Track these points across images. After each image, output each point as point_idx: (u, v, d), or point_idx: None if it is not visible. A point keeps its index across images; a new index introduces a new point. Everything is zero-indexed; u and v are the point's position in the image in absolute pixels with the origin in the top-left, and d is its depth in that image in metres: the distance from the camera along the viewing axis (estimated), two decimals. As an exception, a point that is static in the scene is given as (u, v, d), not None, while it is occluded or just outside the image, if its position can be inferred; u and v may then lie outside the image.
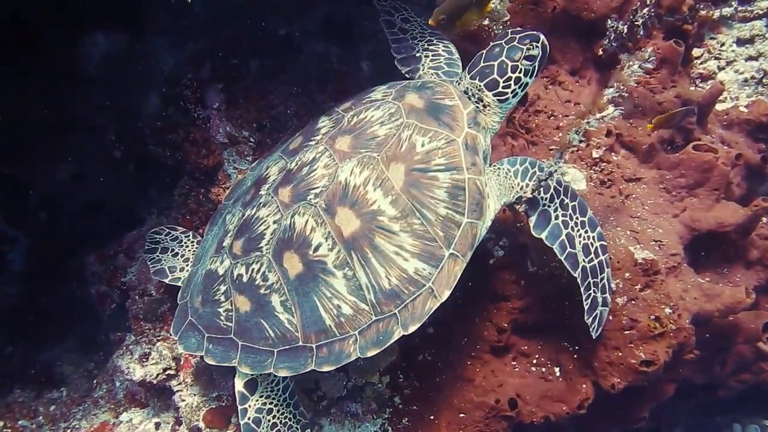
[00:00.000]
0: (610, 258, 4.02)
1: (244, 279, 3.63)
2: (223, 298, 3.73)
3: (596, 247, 3.74)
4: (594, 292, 3.73)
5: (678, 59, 4.62)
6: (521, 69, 3.68)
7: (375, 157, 3.51)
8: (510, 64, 3.67)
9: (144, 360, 4.58)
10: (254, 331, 3.61)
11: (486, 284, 4.19)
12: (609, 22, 4.39)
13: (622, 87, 4.42)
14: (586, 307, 3.73)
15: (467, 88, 3.79)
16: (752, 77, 5.46)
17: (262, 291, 3.57)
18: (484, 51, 3.77)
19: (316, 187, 3.54)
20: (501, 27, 4.52)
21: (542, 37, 3.70)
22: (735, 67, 5.54)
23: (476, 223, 3.52)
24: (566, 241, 3.68)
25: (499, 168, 3.72)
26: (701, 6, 4.42)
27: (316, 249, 3.47)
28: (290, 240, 3.52)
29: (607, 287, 3.78)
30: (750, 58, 5.58)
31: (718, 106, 5.21)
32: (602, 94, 4.58)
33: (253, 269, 3.61)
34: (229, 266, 3.72)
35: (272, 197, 3.66)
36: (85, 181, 5.57)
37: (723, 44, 5.58)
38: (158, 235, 4.59)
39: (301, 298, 3.50)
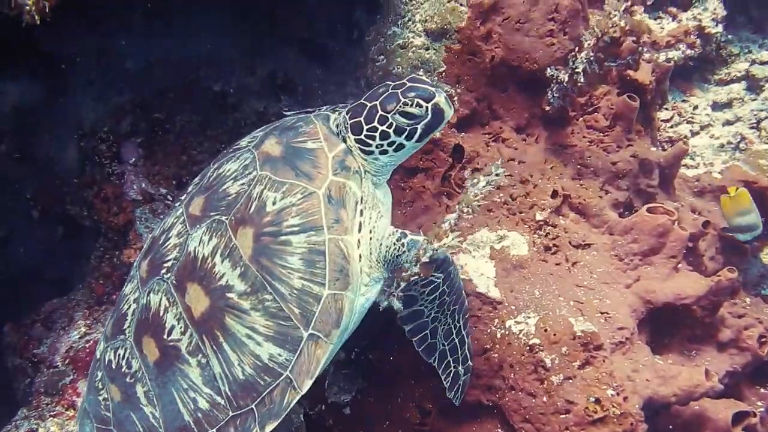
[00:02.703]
0: (546, 330, 3.65)
1: (113, 365, 3.29)
2: (100, 386, 3.38)
3: (459, 328, 3.47)
4: (454, 366, 3.53)
5: (632, 115, 4.34)
6: (392, 125, 3.13)
7: (224, 222, 3.08)
8: (379, 113, 3.14)
9: (28, 439, 4.23)
10: (127, 425, 3.24)
11: (408, 358, 3.79)
12: (548, 71, 4.12)
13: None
14: (447, 384, 3.55)
15: (340, 122, 3.29)
16: (728, 142, 5.16)
17: (127, 380, 3.22)
18: (379, 85, 3.38)
19: (168, 260, 3.19)
20: (435, 78, 4.28)
21: (439, 98, 3.12)
22: (710, 132, 5.27)
23: (341, 295, 3.00)
24: (429, 334, 3.44)
25: (388, 231, 3.25)
26: (644, 49, 4.13)
27: (169, 332, 3.09)
28: (146, 322, 3.16)
29: (468, 356, 3.57)
30: (727, 123, 5.29)
31: (689, 172, 4.91)
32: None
33: (119, 354, 3.27)
34: (102, 350, 3.40)
35: (136, 271, 3.36)
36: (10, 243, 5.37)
37: (696, 107, 5.32)
38: None
39: (161, 389, 3.12)
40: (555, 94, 4.20)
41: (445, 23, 4.33)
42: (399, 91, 3.13)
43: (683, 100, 5.37)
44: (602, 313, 3.86)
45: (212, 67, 5.07)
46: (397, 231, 3.23)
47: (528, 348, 3.69)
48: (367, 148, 3.20)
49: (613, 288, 4.03)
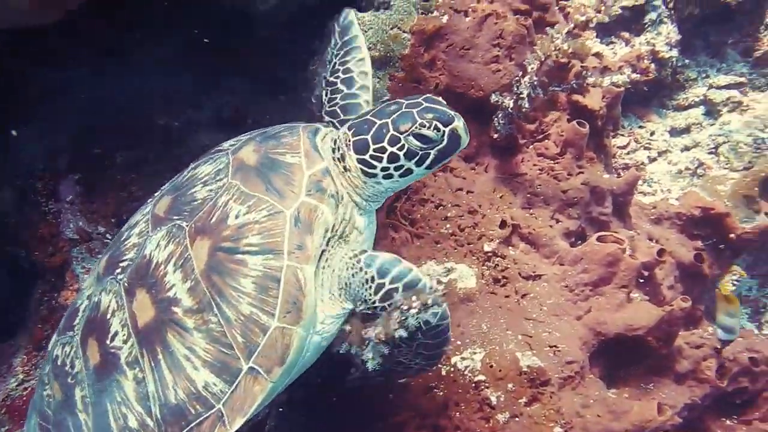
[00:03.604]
0: (491, 366, 3.54)
1: (59, 362, 3.12)
2: (47, 380, 3.21)
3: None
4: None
5: (582, 141, 4.28)
6: (404, 146, 2.89)
7: (183, 228, 2.91)
8: (391, 132, 2.90)
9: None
10: (62, 429, 3.06)
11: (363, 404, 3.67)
12: (493, 97, 4.06)
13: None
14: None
15: (338, 137, 3.06)
16: (687, 168, 5.10)
17: (69, 380, 3.04)
18: (388, 102, 3.13)
19: (125, 260, 3.04)
20: (379, 107, 4.21)
21: (458, 123, 2.90)
22: (668, 158, 5.20)
23: (291, 330, 2.76)
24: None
25: (355, 260, 2.94)
26: (589, 73, 4.07)
27: (112, 338, 2.92)
28: (94, 322, 3.01)
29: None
30: (685, 148, 5.23)
31: (646, 200, 4.84)
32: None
33: (65, 352, 3.11)
34: (53, 343, 3.24)
35: (97, 265, 3.22)
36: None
37: (653, 133, 5.26)
38: None
39: (96, 398, 2.94)
40: (501, 121, 4.14)
41: (388, 51, 4.25)
42: (414, 110, 2.91)
43: (640, 126, 5.32)
44: (551, 347, 3.76)
45: (158, 101, 4.98)
46: (356, 251, 2.98)
47: (473, 385, 3.59)
48: (370, 170, 2.98)
49: (563, 320, 3.93)
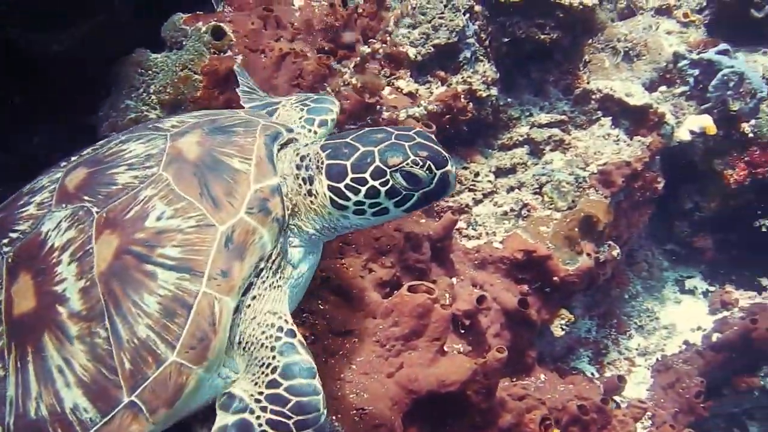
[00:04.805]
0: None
1: None
2: None
3: None
4: None
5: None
6: (387, 182, 2.56)
7: (92, 214, 2.48)
8: (376, 164, 2.56)
9: None
10: None
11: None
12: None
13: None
14: None
15: (307, 155, 2.71)
16: (512, 209, 5.02)
17: None
18: (372, 128, 2.75)
19: (17, 230, 2.60)
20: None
21: (451, 168, 2.62)
22: (494, 199, 5.12)
23: (190, 369, 2.35)
24: None
25: (275, 331, 2.54)
26: (383, 108, 3.93)
27: None
28: None
29: None
30: (511, 189, 5.17)
31: (470, 243, 4.71)
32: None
33: None
34: None
35: None
36: None
37: (478, 174, 5.17)
38: None
39: None
40: (304, 166, 3.92)
41: (178, 94, 3.99)
42: (407, 144, 2.57)
43: (464, 167, 5.23)
44: (358, 410, 3.49)
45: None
46: (283, 319, 2.57)
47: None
48: (340, 201, 2.62)
49: (373, 379, 3.68)
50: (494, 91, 5.24)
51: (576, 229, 4.69)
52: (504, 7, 5.50)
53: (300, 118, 3.14)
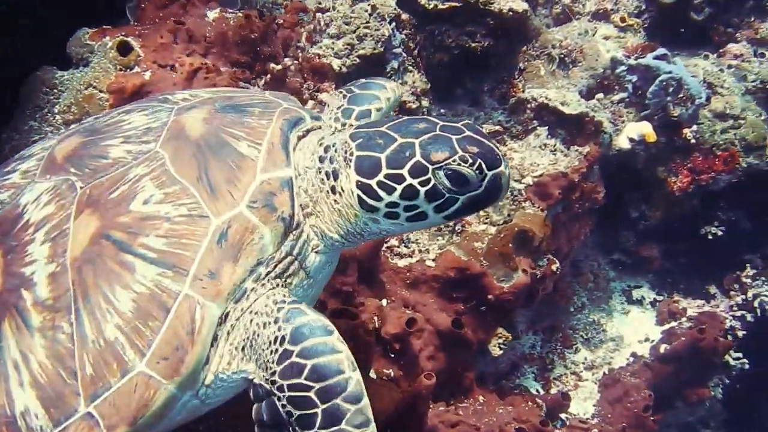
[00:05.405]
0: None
1: None
2: None
3: None
4: None
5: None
6: (429, 181, 2.16)
7: (76, 189, 2.22)
8: (417, 158, 2.16)
9: None
10: None
11: None
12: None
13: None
14: None
15: (333, 145, 2.34)
16: (445, 225, 4.86)
17: None
18: (414, 116, 2.40)
19: None
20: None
21: (505, 169, 2.22)
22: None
23: (159, 383, 2.04)
24: None
25: (274, 306, 2.17)
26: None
27: None
28: None
29: None
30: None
31: (402, 262, 4.55)
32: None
33: None
34: None
35: None
36: None
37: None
38: None
39: None
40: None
41: (83, 113, 3.80)
42: (454, 137, 2.18)
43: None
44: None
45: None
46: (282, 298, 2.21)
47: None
48: (370, 201, 2.23)
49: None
50: (425, 102, 5.09)
51: (510, 245, 4.55)
52: (432, 15, 5.33)
53: (338, 108, 2.78)
